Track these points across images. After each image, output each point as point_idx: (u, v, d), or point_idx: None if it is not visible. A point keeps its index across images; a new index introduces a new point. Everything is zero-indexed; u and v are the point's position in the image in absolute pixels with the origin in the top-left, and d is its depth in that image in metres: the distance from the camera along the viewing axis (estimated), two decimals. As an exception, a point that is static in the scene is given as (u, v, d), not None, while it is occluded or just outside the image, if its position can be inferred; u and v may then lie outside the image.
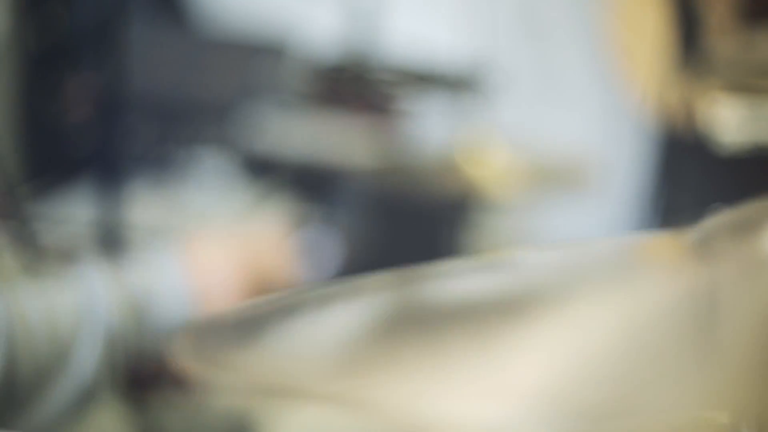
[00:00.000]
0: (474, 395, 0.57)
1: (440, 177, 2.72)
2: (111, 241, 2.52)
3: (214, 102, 3.09)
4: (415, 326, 0.68)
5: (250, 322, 0.71)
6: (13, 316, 1.23)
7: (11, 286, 1.29)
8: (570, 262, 0.80)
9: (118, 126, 2.96)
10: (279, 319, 0.70)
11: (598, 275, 0.76)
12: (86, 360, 1.28)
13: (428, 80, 2.96)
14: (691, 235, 0.76)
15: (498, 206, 2.94)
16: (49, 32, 3.44)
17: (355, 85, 2.97)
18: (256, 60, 3.19)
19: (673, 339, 0.62)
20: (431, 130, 2.97)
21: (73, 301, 1.30)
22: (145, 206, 2.66)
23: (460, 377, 0.60)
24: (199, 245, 1.47)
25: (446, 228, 2.73)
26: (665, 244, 0.82)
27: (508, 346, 0.63)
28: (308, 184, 2.70)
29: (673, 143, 2.90)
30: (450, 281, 0.78)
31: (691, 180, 2.85)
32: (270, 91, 3.08)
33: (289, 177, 2.74)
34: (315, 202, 2.63)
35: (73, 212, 2.70)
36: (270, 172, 2.84)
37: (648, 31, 2.99)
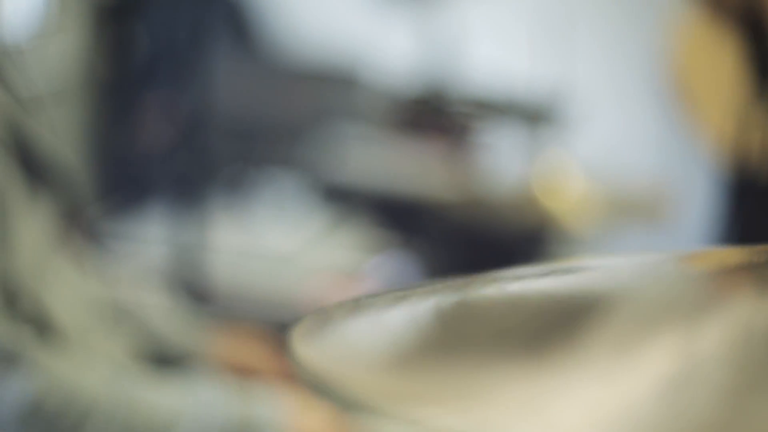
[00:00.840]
0: (531, 412, 0.56)
1: (516, 207, 2.71)
2: (187, 261, 2.53)
3: (290, 128, 3.11)
4: (479, 338, 0.68)
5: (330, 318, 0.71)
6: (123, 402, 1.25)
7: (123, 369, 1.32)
8: (637, 272, 0.79)
9: (195, 148, 2.99)
10: (348, 319, 0.71)
11: (663, 294, 0.75)
12: None
13: (505, 111, 2.95)
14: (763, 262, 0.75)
15: (573, 237, 2.93)
16: (130, 57, 3.49)
17: (432, 115, 2.97)
18: (333, 88, 3.21)
19: (741, 375, 0.60)
20: (508, 160, 2.97)
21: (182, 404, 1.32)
22: (221, 227, 2.67)
23: (517, 390, 0.60)
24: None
25: (522, 258, 2.71)
26: (739, 272, 0.80)
27: (566, 363, 0.62)
28: (385, 212, 2.71)
29: (746, 178, 2.87)
30: (513, 284, 0.77)
31: (764, 215, 2.82)
32: (347, 118, 3.09)
33: (366, 204, 2.75)
34: (391, 229, 2.63)
35: (150, 232, 2.73)
36: (347, 199, 2.84)
37: (721, 67, 2.97)
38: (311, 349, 0.61)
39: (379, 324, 0.68)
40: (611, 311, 0.69)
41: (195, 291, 2.30)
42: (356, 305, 0.70)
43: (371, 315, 0.68)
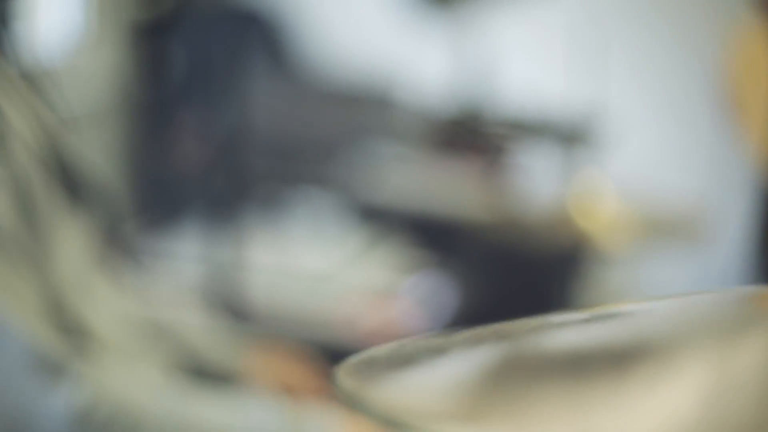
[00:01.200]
0: (579, 425, 0.57)
1: (551, 227, 2.71)
2: (223, 279, 2.54)
3: (326, 148, 3.12)
4: (524, 376, 0.69)
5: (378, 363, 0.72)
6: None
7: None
8: (679, 313, 0.79)
9: (231, 167, 3.00)
10: (397, 366, 0.71)
11: (706, 329, 0.75)
12: None
13: (540, 131, 2.95)
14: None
15: (609, 257, 2.92)
16: (166, 75, 3.51)
17: (467, 135, 2.97)
18: (368, 108, 3.22)
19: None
20: (543, 180, 2.96)
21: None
22: (257, 246, 2.68)
23: (564, 408, 0.61)
24: None
25: (557, 278, 2.71)
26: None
27: (616, 400, 0.63)
28: (420, 232, 2.71)
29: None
30: (559, 331, 0.78)
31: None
32: (382, 138, 3.10)
33: (401, 223, 2.75)
34: (427, 249, 2.63)
35: (186, 250, 2.74)
36: (382, 218, 2.85)
37: (764, 83, 2.96)
38: (359, 386, 0.62)
39: (426, 370, 0.69)
40: (653, 352, 0.69)
41: (231, 309, 2.30)
42: (402, 350, 0.71)
43: (417, 361, 0.69)
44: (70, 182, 1.31)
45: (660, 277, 3.36)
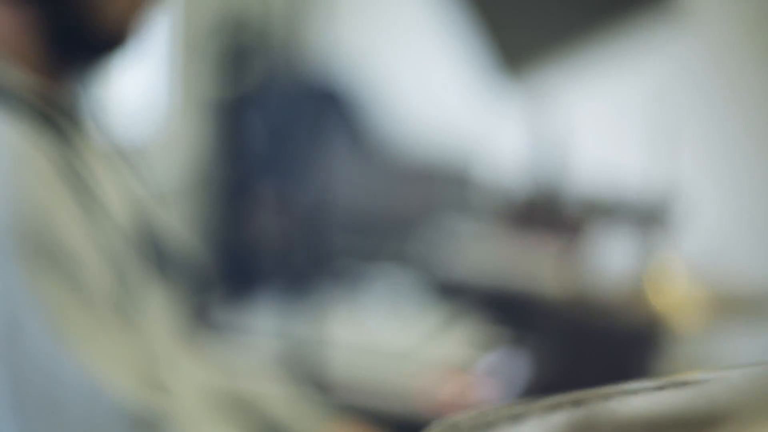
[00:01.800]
0: None
1: (626, 305, 2.71)
2: (301, 353, 2.56)
3: (403, 224, 3.14)
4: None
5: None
6: None
7: None
8: (753, 381, 0.81)
9: (310, 241, 3.04)
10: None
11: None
12: None
13: (615, 210, 2.96)
14: None
15: (682, 334, 2.91)
16: (247, 150, 3.57)
17: (543, 212, 2.99)
18: (445, 184, 3.25)
19: None
20: (617, 257, 2.97)
21: None
22: (335, 321, 2.70)
23: None
24: None
25: (632, 355, 2.71)
26: None
27: None
28: (497, 308, 2.72)
29: None
30: (634, 398, 0.80)
31: None
32: (459, 214, 3.12)
33: (478, 300, 2.76)
34: (503, 325, 2.64)
35: (264, 323, 2.77)
36: (459, 295, 2.86)
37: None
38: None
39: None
40: (727, 419, 0.71)
41: (310, 382, 2.32)
42: (482, 417, 0.73)
43: (497, 427, 0.71)
44: (160, 256, 1.35)
45: (732, 353, 3.34)
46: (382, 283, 2.98)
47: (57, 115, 1.23)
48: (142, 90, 3.31)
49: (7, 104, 1.18)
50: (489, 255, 2.86)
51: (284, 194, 3.24)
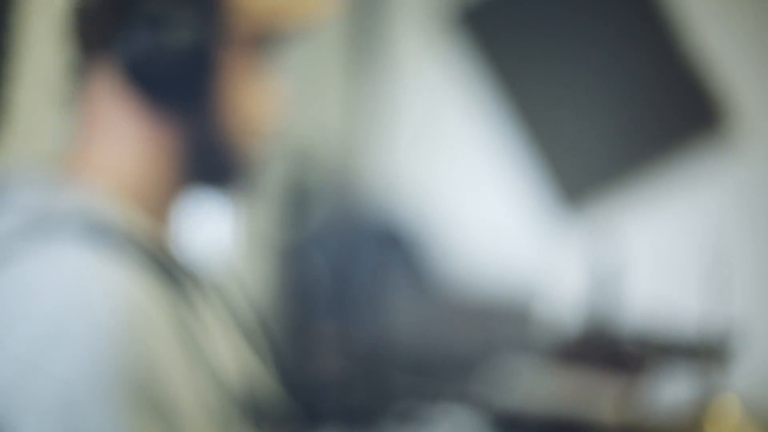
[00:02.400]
0: None
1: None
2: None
3: (460, 360, 3.17)
4: None
5: None
6: None
7: None
8: None
9: (370, 380, 3.07)
10: None
11: None
12: None
13: (669, 346, 2.98)
14: None
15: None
16: (309, 288, 3.62)
17: (598, 347, 3.01)
18: (503, 321, 3.28)
19: None
20: (672, 392, 2.98)
21: None
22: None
23: None
24: None
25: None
26: None
27: None
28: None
29: None
30: None
31: None
32: (518, 351, 3.15)
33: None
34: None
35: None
36: (517, 429, 2.88)
37: None
38: None
39: None
40: None
41: None
42: None
43: None
44: (257, 412, 1.39)
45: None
46: (444, 423, 3.00)
47: (169, 262, 1.27)
48: (205, 230, 3.38)
49: (123, 249, 1.21)
50: (547, 390, 2.88)
51: (346, 332, 3.28)
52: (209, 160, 1.39)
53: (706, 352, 2.74)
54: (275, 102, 1.45)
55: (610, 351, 2.83)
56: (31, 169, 1.34)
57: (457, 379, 3.13)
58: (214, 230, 3.45)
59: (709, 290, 2.84)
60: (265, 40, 1.41)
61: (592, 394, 2.83)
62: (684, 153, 3.83)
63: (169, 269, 1.26)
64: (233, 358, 1.40)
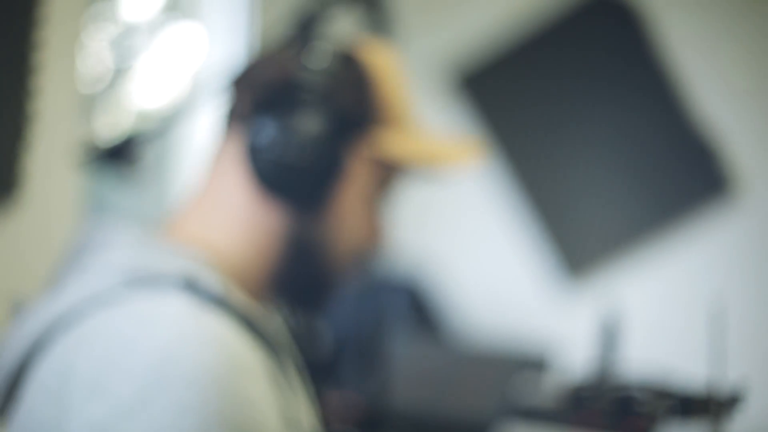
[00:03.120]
0: None
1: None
2: None
3: (471, 417, 3.18)
4: None
5: None
6: None
7: None
8: None
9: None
10: None
11: None
12: None
13: (674, 402, 3.01)
14: None
15: None
16: (316, 349, 3.64)
17: (606, 404, 3.05)
18: (510, 375, 3.30)
19: None
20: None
21: None
22: None
23: None
24: None
25: None
26: None
27: None
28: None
29: None
30: None
31: None
32: (527, 404, 3.17)
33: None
34: None
35: None
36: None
37: None
38: None
39: None
40: None
41: None
42: None
43: None
44: None
45: None
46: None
47: (261, 326, 1.29)
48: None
49: (221, 306, 1.24)
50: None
51: (353, 388, 3.29)
52: (306, 269, 1.42)
53: (715, 404, 2.76)
54: (383, 229, 1.48)
55: (616, 404, 2.86)
56: (125, 229, 1.35)
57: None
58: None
59: (710, 351, 2.88)
60: (400, 173, 1.45)
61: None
62: (686, 219, 3.87)
63: (260, 331, 1.29)
64: (306, 419, 1.43)
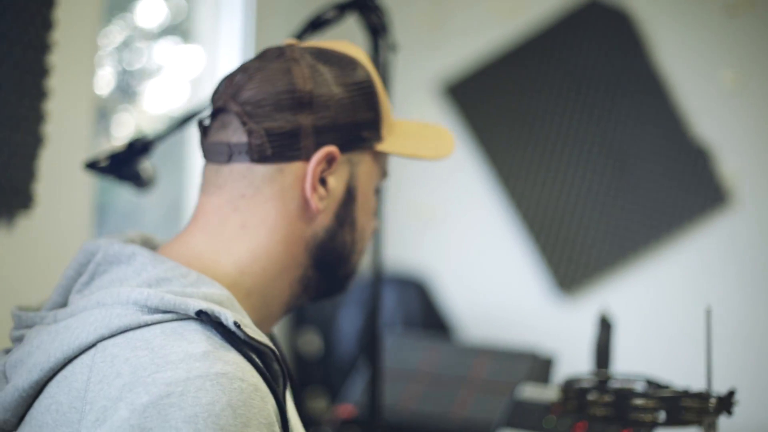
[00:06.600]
0: None
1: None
2: None
3: (473, 416, 3.17)
4: None
5: None
6: None
7: None
8: None
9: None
10: None
11: None
12: None
13: (669, 404, 3.02)
14: None
15: None
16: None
17: (606, 404, 3.06)
18: (513, 376, 3.30)
19: None
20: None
21: None
22: None
23: None
24: None
25: None
26: None
27: None
28: None
29: None
30: None
31: None
32: (526, 406, 3.17)
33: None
34: None
35: None
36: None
37: None
38: None
39: None
40: None
41: None
42: None
43: None
44: None
45: None
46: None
47: (275, 359, 1.28)
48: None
49: (241, 349, 1.23)
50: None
51: (355, 387, 3.29)
52: (333, 272, 1.44)
53: (714, 402, 2.80)
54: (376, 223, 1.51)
55: (619, 400, 2.89)
56: (140, 250, 1.34)
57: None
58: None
59: (704, 355, 2.89)
60: (387, 172, 1.49)
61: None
62: (682, 234, 3.86)
63: (270, 364, 1.28)
64: None
